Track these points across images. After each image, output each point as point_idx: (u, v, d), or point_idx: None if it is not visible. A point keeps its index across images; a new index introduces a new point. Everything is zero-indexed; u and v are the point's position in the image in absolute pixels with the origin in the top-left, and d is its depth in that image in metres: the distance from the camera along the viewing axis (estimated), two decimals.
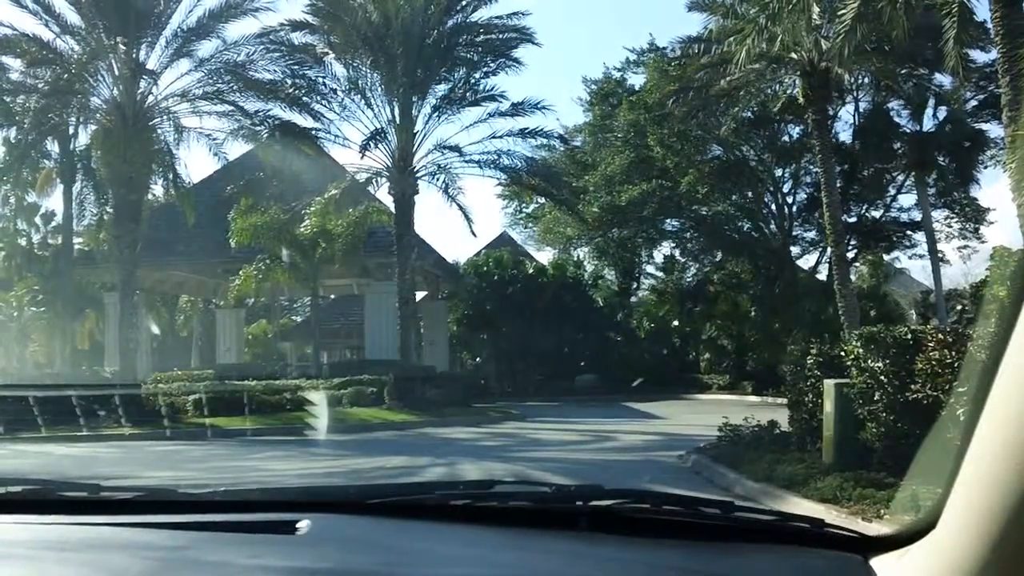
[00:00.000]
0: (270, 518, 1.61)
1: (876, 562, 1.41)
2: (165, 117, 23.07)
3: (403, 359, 23.36)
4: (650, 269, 40.49)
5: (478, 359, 35.24)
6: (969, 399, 1.02)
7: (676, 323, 35.89)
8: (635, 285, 40.29)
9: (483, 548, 1.53)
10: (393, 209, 24.20)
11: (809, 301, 27.42)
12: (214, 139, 23.97)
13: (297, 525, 1.51)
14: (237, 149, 26.13)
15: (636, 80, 35.83)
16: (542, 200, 35.09)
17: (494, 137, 24.34)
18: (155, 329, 34.90)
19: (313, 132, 23.49)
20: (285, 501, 1.80)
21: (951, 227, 32.09)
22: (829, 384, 8.53)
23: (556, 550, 1.51)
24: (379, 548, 1.52)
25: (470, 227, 25.45)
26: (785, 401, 11.25)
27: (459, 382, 27.68)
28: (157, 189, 26.43)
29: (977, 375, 1.01)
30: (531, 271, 35.34)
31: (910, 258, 34.23)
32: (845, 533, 1.62)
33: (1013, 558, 0.98)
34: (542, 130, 25.12)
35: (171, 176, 24.54)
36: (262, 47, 22.72)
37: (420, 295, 30.56)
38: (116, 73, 21.97)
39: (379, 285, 27.80)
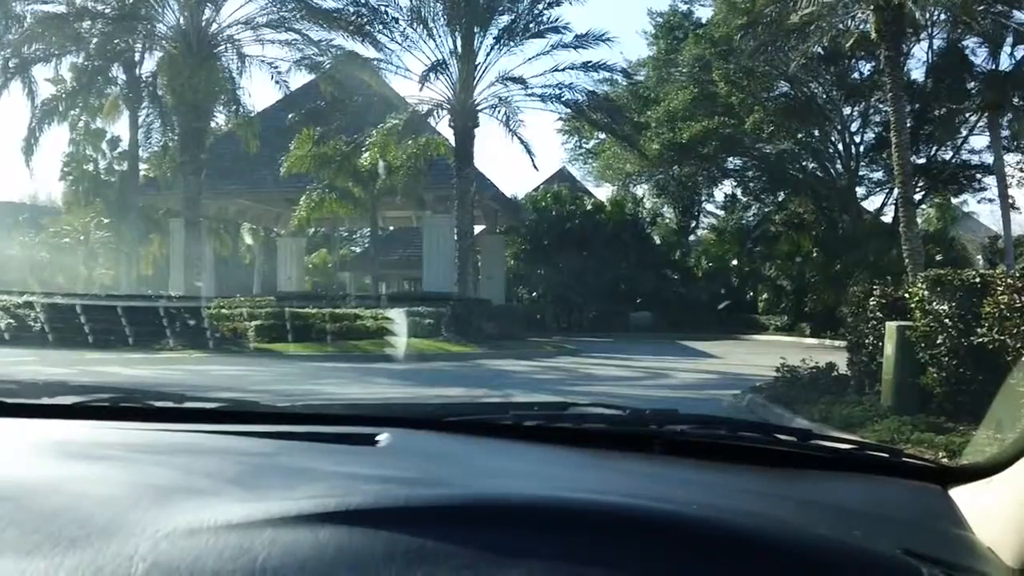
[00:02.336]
0: (350, 431, 1.64)
1: (955, 492, 1.40)
2: (229, 45, 23.22)
3: (460, 292, 23.54)
4: (710, 208, 40.04)
5: (534, 294, 35.34)
6: None
7: (735, 263, 35.54)
8: (694, 224, 39.93)
9: (558, 466, 1.53)
10: (453, 142, 24.14)
11: (873, 243, 26.88)
12: (276, 68, 24.15)
13: (377, 438, 1.54)
14: (299, 79, 26.25)
15: (703, 13, 35.02)
16: (602, 136, 34.70)
17: (556, 70, 24.04)
18: (218, 255, 35.56)
19: (375, 62, 23.44)
20: (364, 416, 1.83)
21: None
22: (891, 326, 8.40)
23: (631, 471, 1.51)
24: (457, 462, 1.54)
25: (532, 161, 25.41)
26: (843, 344, 11.12)
27: (515, 316, 27.87)
28: (220, 117, 26.68)
29: None
30: (589, 207, 35.21)
31: (979, 202, 33.54)
32: (924, 463, 1.61)
33: None
34: (605, 64, 24.65)
35: (234, 104, 24.76)
36: None
37: (478, 229, 30.62)
38: None
39: (438, 217, 27.95)
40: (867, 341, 9.46)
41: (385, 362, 16.55)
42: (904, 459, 1.65)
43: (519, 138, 23.88)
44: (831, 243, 30.02)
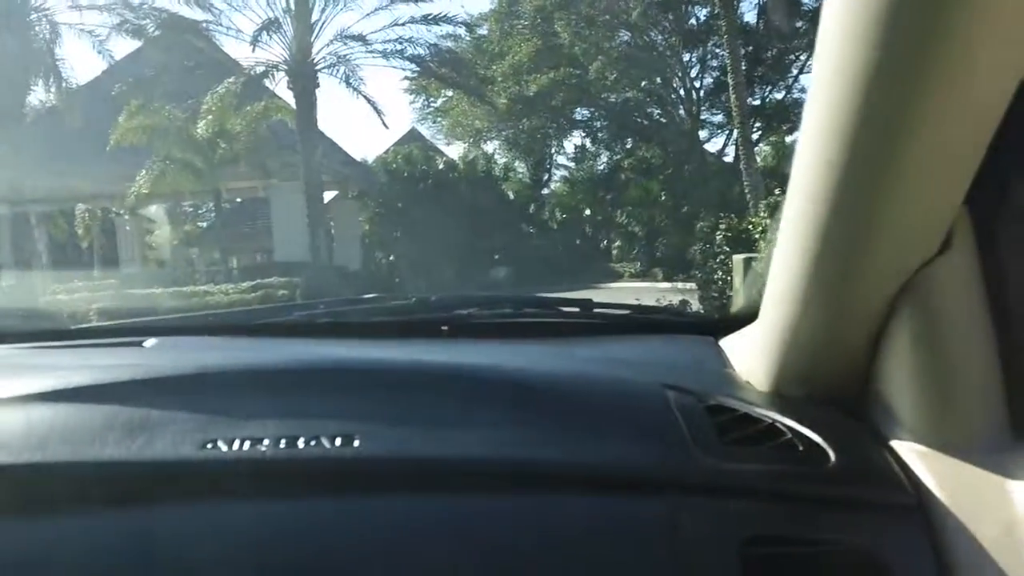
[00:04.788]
0: (120, 340, 1.61)
1: (724, 341, 1.52)
2: (40, 13, 21.59)
3: (314, 260, 22.94)
4: (561, 160, 40.38)
5: (391, 257, 34.88)
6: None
7: (588, 212, 36.04)
8: (547, 176, 40.19)
9: (340, 350, 1.50)
10: (294, 105, 23.34)
11: (716, 183, 27.78)
12: (97, 36, 22.65)
13: (144, 343, 1.51)
14: (125, 46, 24.78)
15: None
16: (450, 93, 34.38)
17: (396, 25, 23.58)
18: (53, 240, 33.46)
19: (203, 25, 22.30)
20: (135, 327, 1.77)
21: None
22: (738, 259, 8.59)
23: (417, 353, 1.47)
24: (231, 351, 1.51)
25: (380, 118, 24.89)
26: (693, 286, 11.39)
27: (373, 281, 27.39)
28: (40, 93, 24.91)
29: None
30: (441, 166, 34.85)
31: None
32: (697, 319, 1.73)
33: (824, 330, 1.08)
34: (447, 16, 24.35)
35: (52, 78, 23.10)
36: None
37: (330, 195, 29.87)
38: None
39: (284, 185, 26.99)
40: (716, 276, 9.68)
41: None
42: (681, 318, 1.74)
43: (364, 96, 23.42)
44: (678, 186, 30.80)
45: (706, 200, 26.79)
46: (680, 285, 21.11)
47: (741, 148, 20.41)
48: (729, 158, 30.80)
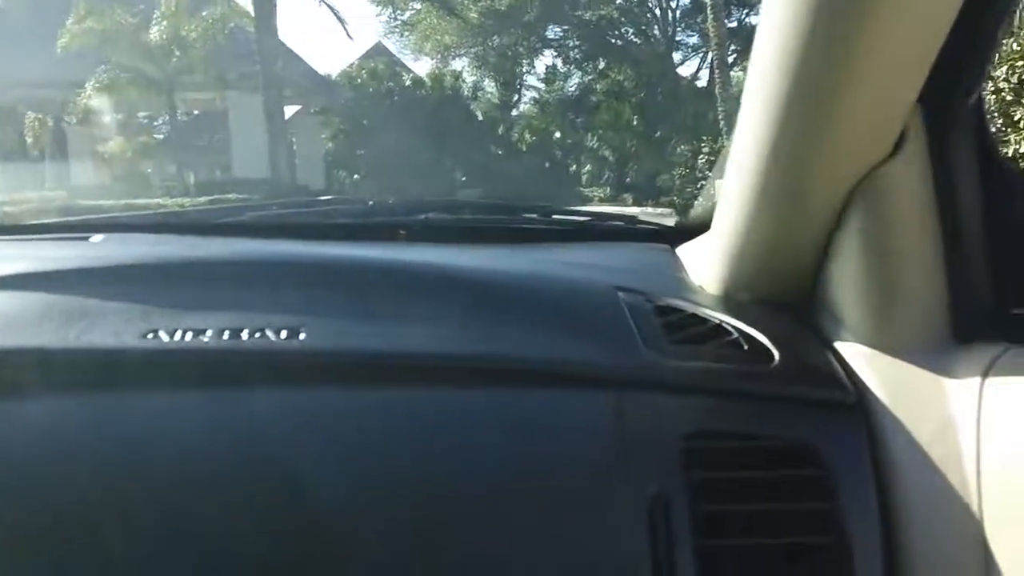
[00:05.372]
0: (64, 235, 1.59)
1: (680, 249, 1.52)
2: None
3: (274, 177, 22.26)
4: (532, 81, 39.60)
5: (356, 176, 34.18)
6: None
7: (558, 135, 35.49)
8: (516, 98, 39.43)
9: (291, 248, 1.45)
10: (253, 12, 22.33)
11: (690, 107, 27.31)
12: None
13: (91, 238, 1.49)
14: None
15: None
16: (418, 6, 33.40)
17: None
18: (2, 147, 32.34)
19: None
20: (83, 224, 1.71)
21: None
22: (720, 185, 8.17)
23: (372, 255, 1.40)
24: (179, 247, 1.43)
25: (343, 27, 24.04)
26: (665, 211, 11.02)
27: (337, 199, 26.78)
28: None
29: None
30: (408, 83, 34.00)
31: None
32: (655, 227, 1.73)
33: (774, 234, 1.08)
34: None
35: None
36: None
37: (291, 110, 28.94)
38: None
39: (243, 97, 26.01)
40: (696, 203, 9.27)
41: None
42: (639, 226, 1.76)
43: (325, 3, 22.45)
44: (651, 109, 30.29)
45: (679, 125, 26.34)
46: (651, 210, 20.86)
47: (717, 72, 19.92)
48: (703, 82, 30.27)
